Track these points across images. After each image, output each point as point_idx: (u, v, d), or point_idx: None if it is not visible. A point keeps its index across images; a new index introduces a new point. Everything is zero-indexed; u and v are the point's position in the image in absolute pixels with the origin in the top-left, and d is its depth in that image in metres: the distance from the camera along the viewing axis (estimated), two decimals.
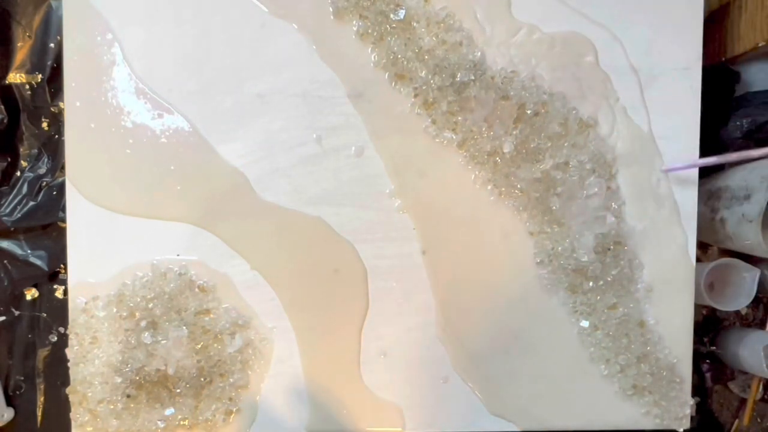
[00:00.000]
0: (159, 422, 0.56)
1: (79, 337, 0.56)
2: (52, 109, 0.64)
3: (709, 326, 0.70)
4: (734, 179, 0.61)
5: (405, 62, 0.56)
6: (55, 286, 0.65)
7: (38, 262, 0.63)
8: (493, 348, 0.58)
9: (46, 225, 0.64)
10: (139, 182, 0.56)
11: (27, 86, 0.63)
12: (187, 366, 0.56)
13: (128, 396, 0.55)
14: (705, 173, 0.64)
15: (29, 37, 0.63)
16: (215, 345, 0.56)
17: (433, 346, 0.58)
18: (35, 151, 0.64)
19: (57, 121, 0.64)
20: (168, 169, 0.56)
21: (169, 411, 0.56)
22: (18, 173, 0.64)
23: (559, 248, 0.58)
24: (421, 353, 0.58)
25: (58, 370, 0.64)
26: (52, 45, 0.63)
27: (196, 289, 0.57)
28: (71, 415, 0.56)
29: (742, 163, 0.63)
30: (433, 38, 0.56)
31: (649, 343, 0.58)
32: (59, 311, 0.64)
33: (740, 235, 0.59)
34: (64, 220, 0.59)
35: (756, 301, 0.70)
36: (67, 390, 0.56)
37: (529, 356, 0.58)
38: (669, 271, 0.59)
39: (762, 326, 0.70)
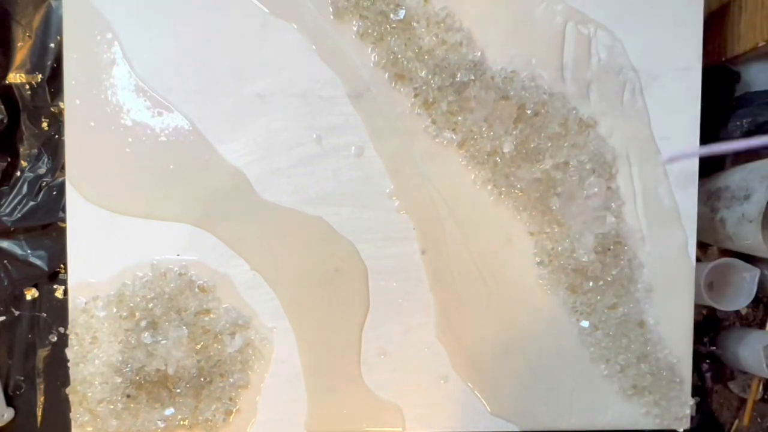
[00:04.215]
0: (159, 422, 0.56)
1: (79, 337, 0.56)
2: (52, 109, 0.64)
3: (709, 326, 0.70)
4: (734, 179, 0.61)
5: (405, 62, 0.56)
6: (55, 286, 0.65)
7: (38, 262, 0.63)
8: (493, 348, 0.58)
9: (46, 225, 0.64)
10: (139, 182, 0.56)
11: (27, 86, 0.63)
12: (187, 366, 0.56)
13: (128, 396, 0.55)
14: (705, 173, 0.64)
15: (29, 37, 0.63)
16: (215, 345, 0.56)
17: (433, 346, 0.58)
18: (35, 151, 0.64)
19: (57, 121, 0.64)
20: (168, 168, 0.56)
21: (169, 411, 0.56)
22: (18, 173, 0.64)
23: (559, 248, 0.58)
24: (421, 353, 0.58)
25: (58, 370, 0.64)
26: (52, 45, 0.63)
27: (196, 289, 0.57)
28: (71, 415, 0.56)
29: (743, 160, 0.63)
30: (433, 38, 0.56)
31: (649, 343, 0.58)
32: (59, 311, 0.64)
33: (740, 235, 0.59)
34: (64, 220, 0.59)
35: (756, 301, 0.70)
36: (67, 390, 0.56)
37: (529, 356, 0.58)
38: (669, 271, 0.59)
39: (762, 326, 0.70)
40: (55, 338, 0.64)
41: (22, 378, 0.65)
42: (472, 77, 0.56)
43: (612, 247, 0.58)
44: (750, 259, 0.63)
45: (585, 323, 0.58)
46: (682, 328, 0.59)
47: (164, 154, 0.56)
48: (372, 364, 0.58)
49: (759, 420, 0.69)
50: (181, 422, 0.56)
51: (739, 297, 0.63)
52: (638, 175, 0.58)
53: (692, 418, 0.59)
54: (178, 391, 0.56)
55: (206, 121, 0.56)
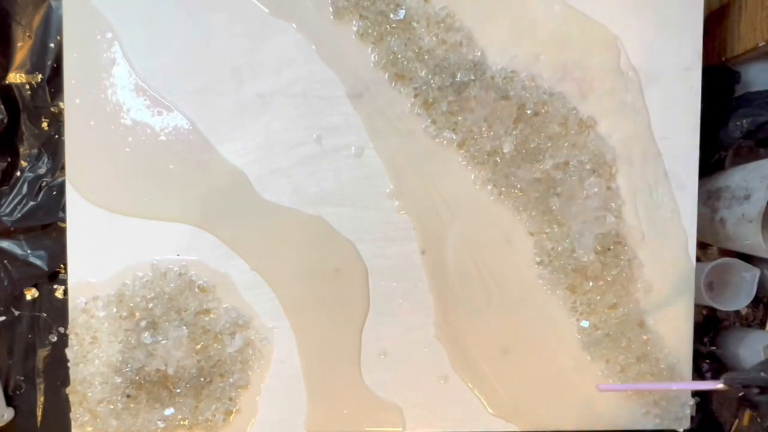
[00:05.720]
0: (159, 422, 0.56)
1: (79, 337, 0.56)
2: (52, 109, 0.64)
3: (709, 326, 0.70)
4: (734, 179, 0.61)
5: (405, 62, 0.56)
6: (55, 286, 0.65)
7: (38, 262, 0.63)
8: (493, 348, 0.58)
9: (46, 225, 0.64)
10: (139, 182, 0.56)
11: (27, 86, 0.63)
12: (187, 366, 0.56)
13: (128, 396, 0.55)
14: (705, 173, 0.64)
15: (29, 37, 0.63)
16: (215, 345, 0.56)
17: (432, 346, 0.58)
18: (35, 151, 0.64)
19: (57, 121, 0.64)
20: (168, 168, 0.56)
21: (169, 411, 0.56)
22: (18, 173, 0.64)
23: (559, 248, 0.58)
24: (421, 353, 0.58)
25: (58, 370, 0.64)
26: (52, 45, 0.63)
27: (196, 289, 0.57)
28: (71, 415, 0.56)
29: (743, 160, 0.63)
30: (433, 38, 0.56)
31: (649, 343, 0.58)
32: (59, 311, 0.64)
33: (740, 235, 0.59)
34: (64, 220, 0.59)
35: (756, 301, 0.70)
36: (67, 390, 0.56)
37: (529, 356, 0.58)
38: (669, 271, 0.59)
39: (762, 326, 0.70)
40: (55, 338, 0.64)
41: (22, 378, 0.65)
42: (472, 77, 0.56)
43: (612, 247, 0.58)
44: (750, 259, 0.63)
45: (585, 323, 0.58)
46: (682, 328, 0.59)
47: (164, 154, 0.56)
48: (372, 364, 0.58)
49: (759, 420, 0.69)
50: (181, 422, 0.56)
51: (739, 297, 0.63)
52: (638, 175, 0.58)
53: (692, 418, 0.59)
54: (178, 391, 0.56)
55: (206, 121, 0.56)
